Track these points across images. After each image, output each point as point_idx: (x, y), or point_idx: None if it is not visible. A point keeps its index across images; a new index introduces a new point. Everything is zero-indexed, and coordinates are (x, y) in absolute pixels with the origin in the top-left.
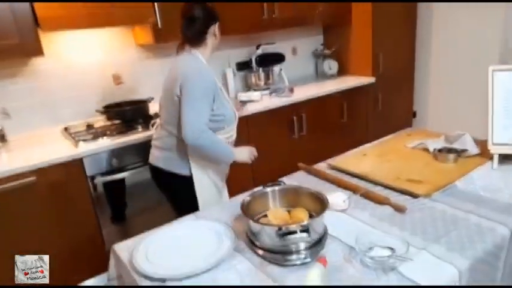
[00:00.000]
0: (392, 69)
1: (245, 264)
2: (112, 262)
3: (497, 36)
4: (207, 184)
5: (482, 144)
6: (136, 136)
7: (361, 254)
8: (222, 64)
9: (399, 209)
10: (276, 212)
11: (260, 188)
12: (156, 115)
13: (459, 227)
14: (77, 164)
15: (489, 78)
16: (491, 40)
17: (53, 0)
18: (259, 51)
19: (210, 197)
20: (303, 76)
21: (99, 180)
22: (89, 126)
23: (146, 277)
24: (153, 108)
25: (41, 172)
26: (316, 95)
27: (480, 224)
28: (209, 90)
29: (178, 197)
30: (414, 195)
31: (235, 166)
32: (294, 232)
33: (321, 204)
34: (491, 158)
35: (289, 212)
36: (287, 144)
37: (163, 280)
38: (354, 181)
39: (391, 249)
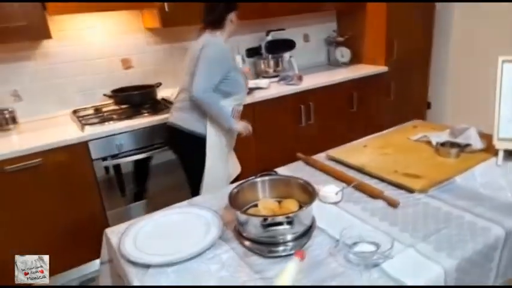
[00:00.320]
0: (407, 58)
1: (229, 253)
2: (104, 246)
3: None
4: (217, 146)
5: (488, 138)
6: (142, 121)
7: (345, 248)
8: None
9: (392, 204)
10: (265, 203)
11: (252, 178)
12: (164, 100)
13: (451, 225)
14: (82, 147)
15: (498, 69)
16: None
17: None
18: (269, 38)
19: (218, 160)
20: (315, 64)
21: (110, 163)
22: (97, 110)
23: (131, 262)
24: (161, 93)
25: (46, 154)
26: (325, 84)
27: (474, 223)
28: (224, 60)
29: (189, 156)
30: (410, 190)
31: (240, 152)
32: (280, 223)
33: (310, 196)
34: (496, 153)
35: (280, 202)
36: (294, 133)
37: (148, 266)
38: (351, 173)
39: (377, 245)
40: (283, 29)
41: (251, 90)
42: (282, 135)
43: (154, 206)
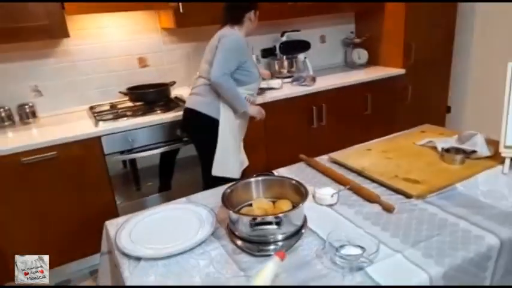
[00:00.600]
0: (426, 60)
1: (219, 250)
2: (104, 237)
3: None
4: (229, 129)
5: (496, 146)
6: (155, 118)
7: (331, 251)
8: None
9: (387, 209)
10: (260, 202)
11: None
12: (177, 99)
13: (444, 232)
14: (95, 141)
15: (508, 74)
16: None
17: None
18: (284, 39)
19: (229, 143)
20: (331, 65)
21: (122, 158)
22: (113, 107)
23: (125, 255)
24: (175, 92)
25: (61, 148)
26: (338, 85)
27: (469, 231)
28: (240, 50)
29: (202, 138)
30: (407, 196)
31: (250, 152)
32: (269, 223)
33: (302, 197)
34: (503, 161)
35: (274, 203)
36: (305, 134)
37: (139, 259)
38: (351, 176)
39: (363, 248)
40: (298, 30)
41: (263, 90)
42: (292, 136)
43: (168, 200)
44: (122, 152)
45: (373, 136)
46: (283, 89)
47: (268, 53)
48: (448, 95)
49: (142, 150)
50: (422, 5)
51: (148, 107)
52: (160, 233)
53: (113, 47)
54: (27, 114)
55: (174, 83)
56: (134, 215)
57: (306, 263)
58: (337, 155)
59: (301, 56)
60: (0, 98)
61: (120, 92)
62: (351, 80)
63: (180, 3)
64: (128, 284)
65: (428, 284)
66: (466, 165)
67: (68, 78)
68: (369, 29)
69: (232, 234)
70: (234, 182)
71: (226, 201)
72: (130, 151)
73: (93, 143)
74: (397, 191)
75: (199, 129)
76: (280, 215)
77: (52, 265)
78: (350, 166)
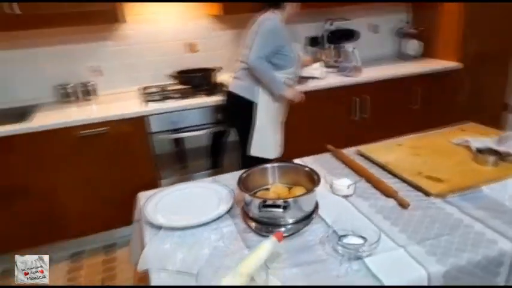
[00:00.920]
0: (485, 54)
1: (230, 228)
2: (137, 207)
3: None
4: (267, 112)
5: None
6: (198, 101)
7: (333, 238)
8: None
9: (402, 204)
10: (276, 187)
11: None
12: (221, 84)
13: (456, 233)
14: (141, 120)
15: None
16: None
17: None
18: (332, 27)
19: (267, 124)
20: (383, 56)
21: (166, 137)
22: (162, 89)
23: (147, 222)
24: (221, 77)
25: (111, 124)
26: (384, 77)
27: (482, 234)
28: (277, 35)
29: (241, 119)
30: (427, 193)
31: (290, 139)
32: (277, 206)
33: (314, 184)
34: None
35: (290, 189)
36: (346, 125)
37: (160, 227)
38: (374, 170)
39: (365, 239)
40: (347, 19)
41: (304, 79)
42: (332, 127)
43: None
44: (165, 132)
45: (420, 132)
46: (327, 79)
47: (314, 41)
48: (506, 91)
49: (185, 131)
50: None
51: (195, 90)
52: (182, 207)
53: (165, 32)
54: (88, 92)
55: (221, 68)
56: (163, 189)
57: (308, 247)
58: (365, 148)
59: (349, 46)
60: (66, 76)
61: (169, 75)
62: (400, 72)
63: None
64: (146, 247)
65: (426, 281)
66: (499, 168)
67: (125, 60)
68: (425, 19)
69: (245, 214)
70: (251, 168)
71: (242, 184)
72: (174, 131)
73: (140, 122)
74: (417, 188)
75: (239, 112)
76: (289, 200)
77: (100, 229)
78: (375, 160)
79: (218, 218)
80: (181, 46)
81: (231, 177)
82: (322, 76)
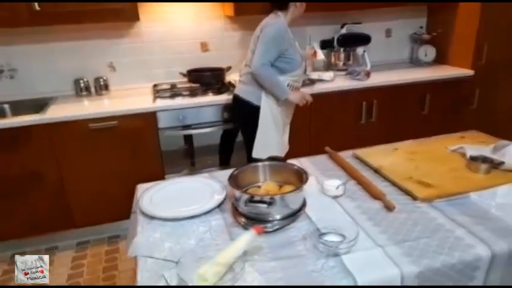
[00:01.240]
0: (499, 62)
1: (219, 221)
2: (135, 198)
3: None
4: (270, 116)
5: None
6: (206, 99)
7: (314, 235)
8: (303, 41)
9: (388, 207)
10: (268, 185)
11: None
12: (230, 84)
13: (436, 236)
14: (150, 116)
15: None
16: None
17: None
18: (343, 31)
19: (270, 129)
20: (395, 61)
21: (174, 133)
22: (172, 86)
23: (142, 213)
24: (230, 77)
25: (121, 118)
26: (393, 82)
27: (461, 239)
28: (280, 39)
29: (245, 122)
30: (414, 197)
31: (295, 142)
32: (262, 202)
33: (302, 183)
34: None
35: (280, 187)
36: (352, 129)
37: (153, 218)
38: (368, 173)
39: (344, 237)
40: (359, 23)
41: (313, 81)
42: (339, 130)
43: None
44: (174, 128)
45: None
46: (335, 82)
47: (327, 44)
48: None
49: (194, 128)
50: (499, 4)
51: (204, 89)
52: (176, 200)
53: (179, 31)
54: (101, 87)
55: (230, 68)
56: (160, 182)
57: (290, 243)
58: (361, 151)
59: (359, 50)
60: (81, 71)
61: (180, 73)
62: (409, 78)
63: None
64: (137, 235)
65: (399, 280)
66: (490, 176)
67: (138, 57)
68: (440, 25)
69: (234, 209)
70: (243, 167)
71: (233, 181)
72: (183, 127)
73: (149, 117)
74: (406, 192)
75: (243, 115)
76: (276, 196)
77: (105, 221)
78: (369, 163)
79: (208, 212)
80: (193, 45)
81: (227, 174)
82: (331, 79)
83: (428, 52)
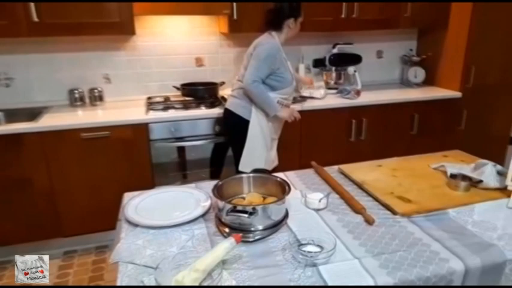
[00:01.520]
0: (487, 85)
1: (202, 230)
2: (121, 206)
3: None
4: (259, 131)
5: None
6: (197, 112)
7: (294, 246)
8: (296, 59)
9: (368, 221)
10: (251, 196)
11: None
12: (223, 98)
13: (412, 249)
14: (142, 127)
15: None
16: None
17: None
18: (335, 51)
19: (258, 143)
20: (386, 81)
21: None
22: (166, 99)
23: (126, 220)
24: (223, 92)
25: (114, 129)
26: (383, 102)
27: (437, 253)
28: (272, 58)
29: (234, 135)
30: (394, 212)
31: (284, 158)
32: (243, 212)
33: (283, 195)
34: (510, 195)
35: (264, 198)
36: (341, 146)
37: (136, 225)
38: (351, 188)
39: (322, 248)
40: (351, 43)
41: (304, 98)
42: (328, 146)
43: None
44: (166, 140)
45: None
46: (325, 99)
47: (319, 63)
48: None
49: (185, 140)
50: (487, 28)
51: (197, 103)
52: (161, 208)
53: (174, 46)
54: (95, 98)
55: (223, 83)
56: (147, 191)
57: (269, 253)
58: (345, 167)
59: (350, 69)
60: (76, 81)
61: (174, 87)
62: (398, 98)
63: (235, 10)
64: (120, 242)
65: None
66: (469, 193)
67: (133, 70)
68: (429, 48)
69: (218, 219)
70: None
71: (218, 191)
72: (174, 139)
73: (141, 128)
74: (386, 207)
75: (233, 128)
76: (257, 207)
77: (94, 230)
78: (352, 178)
79: (192, 221)
80: (188, 60)
81: (212, 185)
82: (322, 96)
83: (417, 74)
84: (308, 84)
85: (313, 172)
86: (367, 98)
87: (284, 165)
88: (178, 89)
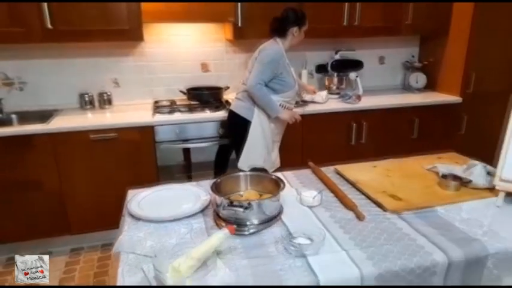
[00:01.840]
0: (487, 91)
1: (200, 224)
2: (125, 202)
3: None
4: (260, 131)
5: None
6: (201, 116)
7: (286, 238)
8: (300, 64)
9: (359, 217)
10: (249, 193)
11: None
12: (227, 102)
13: (399, 243)
14: (148, 130)
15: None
16: None
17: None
18: (337, 56)
19: (258, 144)
20: (388, 87)
21: (170, 146)
22: (172, 103)
23: (130, 214)
24: (228, 96)
25: (121, 131)
26: (384, 106)
27: (422, 247)
28: (275, 63)
29: (237, 135)
30: (383, 209)
31: (286, 159)
32: (239, 206)
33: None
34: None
35: (261, 195)
36: (342, 150)
37: (139, 219)
38: (346, 187)
39: (312, 240)
40: (353, 50)
41: (306, 102)
42: (329, 150)
43: None
44: (171, 141)
45: None
46: (327, 104)
47: (322, 69)
48: None
49: (190, 142)
50: (487, 34)
51: (202, 106)
52: (163, 204)
53: (181, 53)
54: (104, 101)
55: (228, 88)
56: (150, 187)
57: (262, 245)
58: (341, 167)
59: (352, 75)
60: (87, 85)
61: (180, 91)
62: (399, 102)
63: (239, 18)
64: (123, 234)
65: (359, 280)
66: (459, 193)
67: (141, 75)
68: (431, 54)
69: (216, 214)
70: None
71: (216, 188)
72: (179, 141)
73: (147, 131)
74: (377, 204)
75: (235, 128)
76: (253, 202)
77: (100, 228)
78: (347, 178)
79: (191, 215)
80: (194, 66)
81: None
82: (324, 101)
83: (419, 79)
84: (311, 93)
85: (310, 172)
86: (368, 102)
87: (286, 167)
88: (184, 93)
